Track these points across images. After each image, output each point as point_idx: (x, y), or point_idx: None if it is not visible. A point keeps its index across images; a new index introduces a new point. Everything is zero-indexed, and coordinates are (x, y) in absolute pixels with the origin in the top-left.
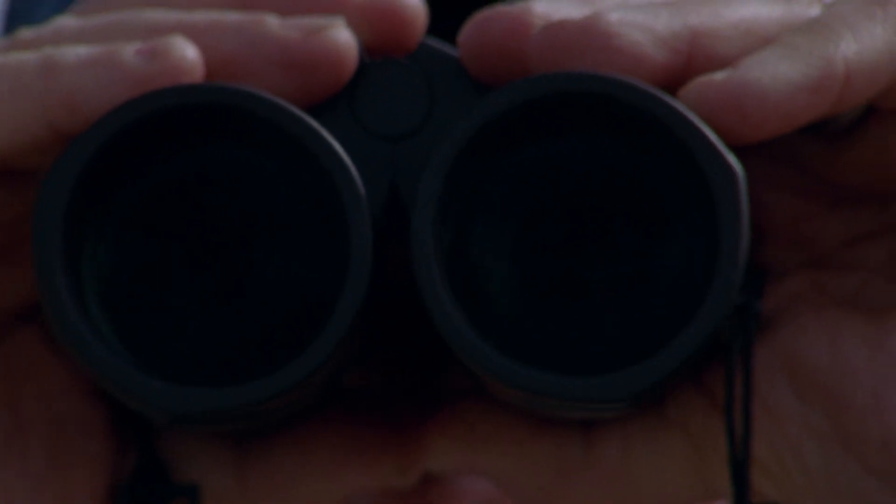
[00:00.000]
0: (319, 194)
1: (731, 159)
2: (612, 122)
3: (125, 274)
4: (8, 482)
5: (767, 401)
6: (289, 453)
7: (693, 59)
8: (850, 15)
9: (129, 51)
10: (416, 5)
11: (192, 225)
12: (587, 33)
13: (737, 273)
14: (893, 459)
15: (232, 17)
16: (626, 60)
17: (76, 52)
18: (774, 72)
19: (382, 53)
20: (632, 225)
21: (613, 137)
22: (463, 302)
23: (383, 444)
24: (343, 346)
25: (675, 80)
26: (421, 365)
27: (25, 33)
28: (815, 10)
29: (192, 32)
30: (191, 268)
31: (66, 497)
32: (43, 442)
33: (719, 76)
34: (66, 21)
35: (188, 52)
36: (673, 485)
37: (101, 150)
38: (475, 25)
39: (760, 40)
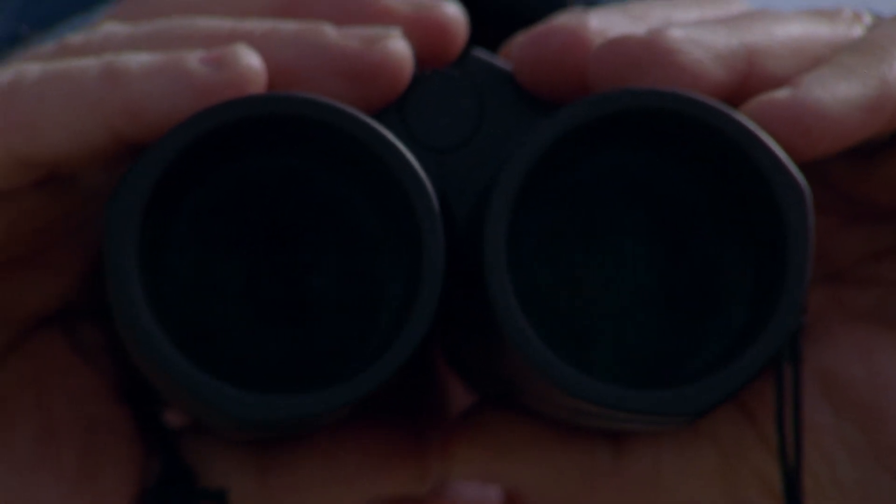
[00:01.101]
0: (388, 207)
1: (800, 177)
2: (676, 138)
3: (191, 282)
4: (42, 485)
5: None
6: (311, 459)
7: (749, 77)
8: None
9: (193, 59)
10: (459, 17)
11: (257, 234)
12: (651, 50)
13: (805, 289)
14: None
15: (288, 25)
16: (687, 78)
17: (139, 59)
18: (834, 91)
19: (424, 64)
20: (687, 239)
21: (674, 153)
22: (530, 316)
23: (404, 451)
24: (416, 354)
25: (730, 97)
26: (444, 373)
27: (73, 39)
28: (857, 30)
29: (250, 41)
30: (254, 276)
31: (98, 500)
32: (75, 445)
33: (782, 94)
34: (114, 27)
35: (253, 61)
36: (702, 495)
37: (176, 160)
38: (531, 40)
39: (810, 59)
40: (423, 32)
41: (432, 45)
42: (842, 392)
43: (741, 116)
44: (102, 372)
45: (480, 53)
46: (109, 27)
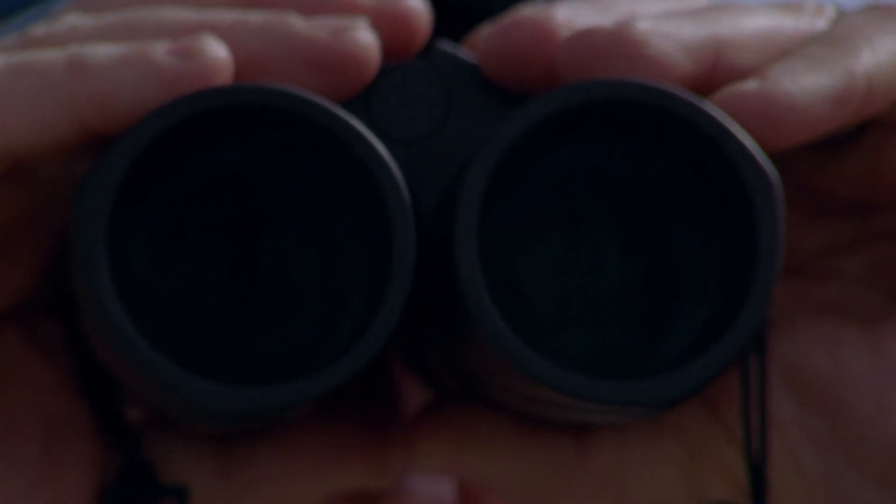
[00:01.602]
0: (357, 197)
1: (770, 168)
2: (646, 129)
3: (159, 273)
4: (2, 481)
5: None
6: (271, 453)
7: (715, 68)
8: (865, 28)
9: (160, 50)
10: (422, 9)
11: (225, 225)
12: (619, 41)
13: (774, 280)
14: (894, 465)
15: (255, 16)
16: (655, 69)
17: (105, 50)
18: (802, 82)
19: (388, 56)
20: (657, 230)
21: (644, 144)
22: (501, 308)
23: (364, 445)
24: (389, 345)
25: (698, 88)
26: (406, 365)
27: (36, 30)
28: (821, 23)
29: (217, 31)
30: (222, 267)
31: (59, 496)
32: (35, 441)
33: (750, 85)
34: (78, 19)
35: (220, 52)
36: (666, 488)
37: (145, 151)
38: (498, 32)
39: (776, 51)
40: (387, 24)
41: (396, 38)
42: (807, 385)
43: (711, 107)
44: (62, 367)
45: (446, 45)
46: (73, 18)
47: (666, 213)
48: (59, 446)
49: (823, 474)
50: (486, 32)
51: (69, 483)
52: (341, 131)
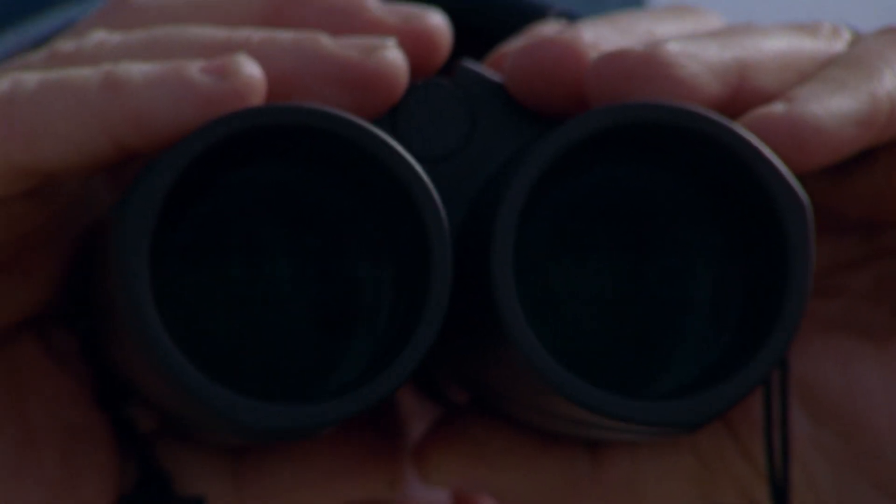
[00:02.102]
0: (390, 214)
1: (802, 193)
2: (674, 150)
3: (192, 290)
4: (24, 492)
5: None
6: (284, 464)
7: (740, 90)
8: (884, 50)
9: (195, 68)
10: (445, 27)
11: (255, 242)
12: (649, 63)
13: (805, 305)
14: None
15: (285, 34)
16: (684, 91)
17: (140, 68)
18: (828, 105)
19: (411, 73)
20: (680, 252)
21: (672, 165)
22: (533, 328)
23: (377, 457)
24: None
25: (722, 111)
26: (419, 379)
27: (64, 45)
28: (838, 45)
29: (247, 49)
30: (255, 285)
31: None
32: (55, 451)
33: (777, 109)
34: (105, 35)
35: (255, 71)
36: (679, 501)
37: (187, 167)
38: (525, 52)
39: (796, 73)
40: (410, 42)
41: (419, 56)
42: (818, 401)
43: (745, 131)
44: (78, 377)
45: (470, 64)
46: (100, 34)
47: (691, 235)
48: (77, 456)
49: (836, 490)
50: (512, 52)
51: (88, 493)
52: (380, 151)
